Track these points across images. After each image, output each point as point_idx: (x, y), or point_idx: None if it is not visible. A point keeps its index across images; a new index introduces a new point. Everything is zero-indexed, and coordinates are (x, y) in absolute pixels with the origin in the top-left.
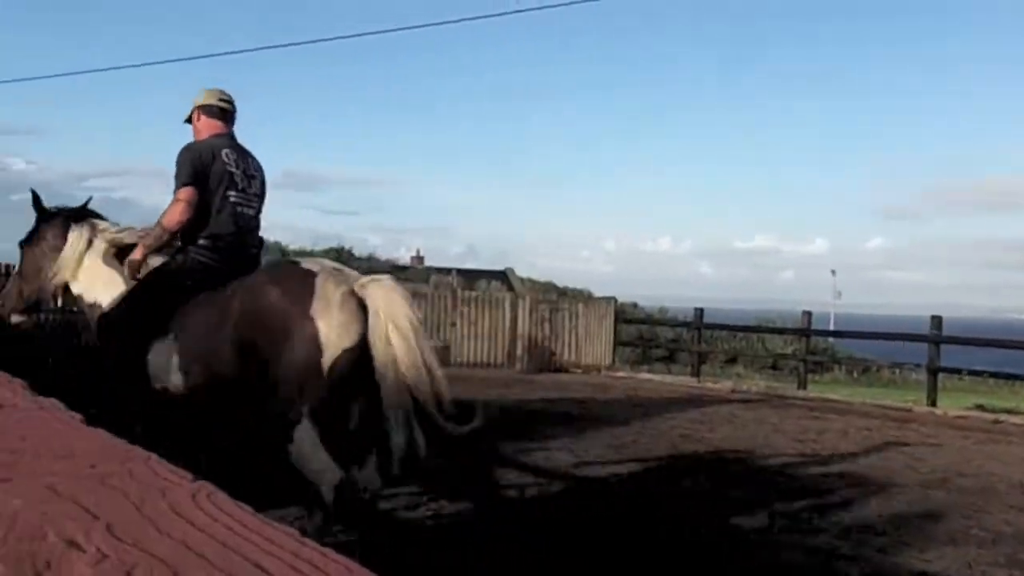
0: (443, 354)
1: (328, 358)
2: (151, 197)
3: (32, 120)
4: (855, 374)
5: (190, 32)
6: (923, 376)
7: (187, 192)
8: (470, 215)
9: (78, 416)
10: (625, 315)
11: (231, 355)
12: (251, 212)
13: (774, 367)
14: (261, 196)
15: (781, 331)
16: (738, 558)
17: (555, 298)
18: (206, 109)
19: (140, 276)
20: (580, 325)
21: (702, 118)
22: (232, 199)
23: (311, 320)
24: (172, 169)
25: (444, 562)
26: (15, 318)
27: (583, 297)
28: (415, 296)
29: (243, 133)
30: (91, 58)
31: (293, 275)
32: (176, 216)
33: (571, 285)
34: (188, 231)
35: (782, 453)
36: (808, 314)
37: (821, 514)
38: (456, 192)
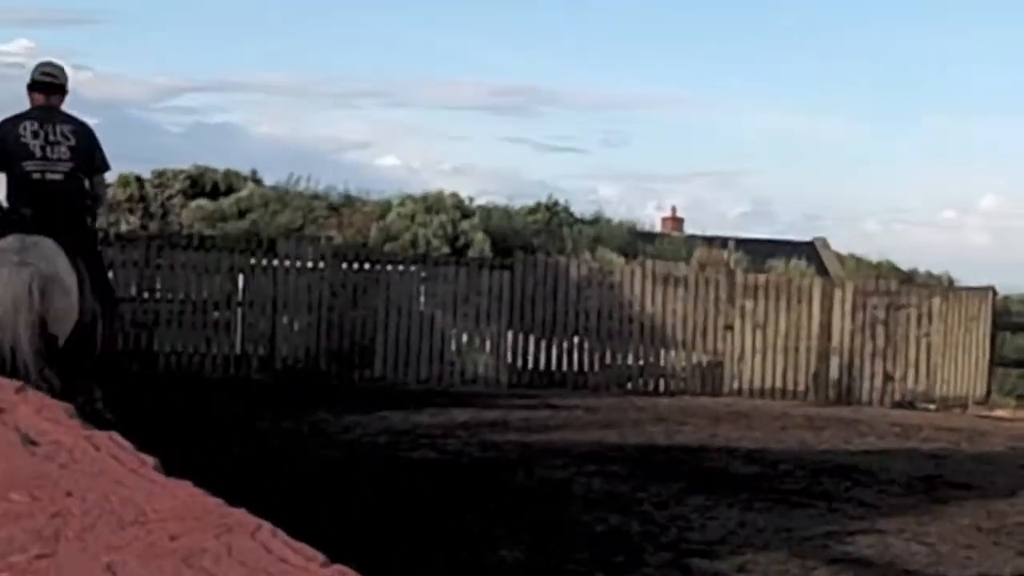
0: (713, 373)
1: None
2: (265, 123)
3: (94, 3)
4: None
5: None
6: None
7: None
8: (766, 154)
9: (150, 459)
10: (1010, 316)
11: None
12: (57, 176)
13: None
14: (71, 159)
15: None
16: None
17: (894, 287)
18: (31, 85)
19: None
20: (934, 332)
21: None
22: (29, 168)
23: None
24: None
25: None
26: None
27: (940, 286)
28: (671, 279)
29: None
30: None
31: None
32: None
33: (922, 267)
34: (11, 199)
35: None
36: None
37: None
38: (750, 119)
